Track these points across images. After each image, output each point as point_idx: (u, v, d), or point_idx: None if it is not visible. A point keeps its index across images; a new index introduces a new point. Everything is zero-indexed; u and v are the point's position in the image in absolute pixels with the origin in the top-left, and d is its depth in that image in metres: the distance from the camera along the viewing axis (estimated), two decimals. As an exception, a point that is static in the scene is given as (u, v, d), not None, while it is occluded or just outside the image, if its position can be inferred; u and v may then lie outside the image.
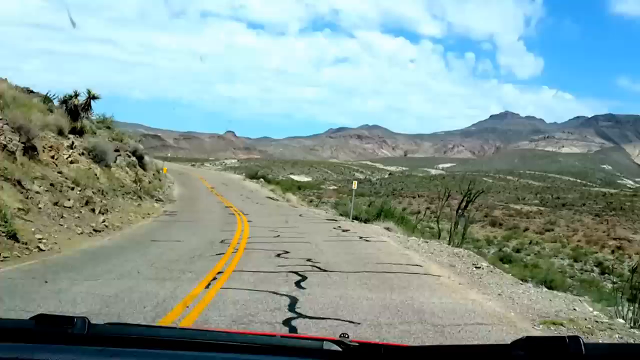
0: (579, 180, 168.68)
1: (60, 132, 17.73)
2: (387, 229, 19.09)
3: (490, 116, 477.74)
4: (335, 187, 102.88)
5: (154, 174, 30.14)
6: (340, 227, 17.63)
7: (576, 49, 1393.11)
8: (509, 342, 1.68)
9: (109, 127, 32.17)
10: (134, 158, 28.79)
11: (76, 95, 21.17)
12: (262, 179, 50.05)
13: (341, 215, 25.10)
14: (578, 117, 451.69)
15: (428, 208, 73.16)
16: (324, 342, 1.87)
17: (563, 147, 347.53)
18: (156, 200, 23.19)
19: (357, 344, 1.87)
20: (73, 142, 17.83)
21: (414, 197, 78.43)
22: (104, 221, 13.29)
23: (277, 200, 31.39)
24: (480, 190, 24.96)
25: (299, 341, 2.12)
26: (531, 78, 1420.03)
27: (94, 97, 21.86)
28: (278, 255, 10.36)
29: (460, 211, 19.88)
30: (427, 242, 15.19)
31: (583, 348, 1.50)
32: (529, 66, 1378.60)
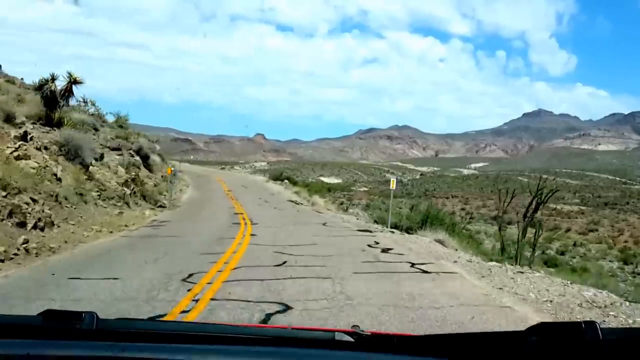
0: (617, 179, 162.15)
1: (8, 119, 14.38)
2: (439, 241, 14.64)
3: (523, 114, 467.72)
4: (366, 189, 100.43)
5: (163, 176, 27.86)
6: (377, 242, 12.72)
7: (610, 45, 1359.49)
8: (524, 329, 1.64)
9: (121, 126, 31.34)
10: (137, 157, 25.91)
11: (53, 79, 17.55)
12: (286, 181, 46.22)
13: (376, 222, 20.75)
14: (614, 114, 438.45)
15: (463, 209, 70.27)
16: (336, 333, 1.85)
17: (599, 144, 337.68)
18: (158, 205, 20.27)
19: (369, 334, 1.86)
20: (27, 133, 14.12)
21: (447, 198, 75.34)
22: (26, 242, 9.07)
23: (300, 204, 27.49)
24: (553, 189, 20.13)
25: (311, 333, 2.12)
26: (564, 75, 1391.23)
27: (76, 82, 18.29)
28: (268, 316, 5.81)
29: (528, 216, 16.05)
30: (514, 270, 9.94)
31: (600, 333, 1.46)
32: (561, 63, 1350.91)
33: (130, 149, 25.62)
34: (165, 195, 23.65)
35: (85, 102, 28.63)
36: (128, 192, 18.03)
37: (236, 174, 66.76)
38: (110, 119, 33.18)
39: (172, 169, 26.23)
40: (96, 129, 24.31)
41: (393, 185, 21.35)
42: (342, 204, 57.28)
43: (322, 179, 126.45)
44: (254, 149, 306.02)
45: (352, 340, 1.81)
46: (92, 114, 28.01)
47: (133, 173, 20.75)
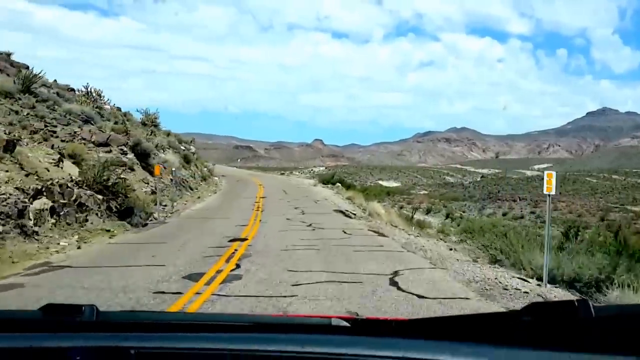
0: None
1: None
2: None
3: (587, 113, 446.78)
4: (426, 192, 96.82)
5: (173, 179, 23.14)
6: None
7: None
8: (517, 309, 1.66)
9: (145, 124, 29.64)
10: (130, 156, 20.93)
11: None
12: (339, 184, 38.85)
13: (497, 262, 11.77)
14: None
15: (532, 212, 65.66)
16: (332, 319, 1.84)
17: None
18: (148, 219, 15.83)
19: (365, 319, 1.90)
20: None
21: (514, 201, 70.69)
22: None
23: (352, 216, 19.74)
24: None
25: (307, 319, 2.14)
26: (629, 72, 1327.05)
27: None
28: None
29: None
30: None
31: (593, 311, 1.46)
32: (626, 60, 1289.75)
33: (120, 145, 20.66)
34: (163, 206, 18.97)
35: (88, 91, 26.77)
36: (94, 201, 13.46)
37: (282, 178, 56.92)
38: (138, 116, 31.65)
39: (172, 170, 22.72)
40: (88, 121, 21.06)
41: (550, 187, 8.94)
42: (401, 207, 54.51)
43: (380, 182, 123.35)
44: (313, 155, 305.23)
45: (348, 325, 1.80)
46: (96, 104, 25.38)
47: (113, 176, 15.36)
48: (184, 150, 34.01)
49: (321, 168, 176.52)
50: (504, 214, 59.34)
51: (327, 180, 42.28)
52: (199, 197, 25.67)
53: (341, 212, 21.42)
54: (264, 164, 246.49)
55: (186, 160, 31.29)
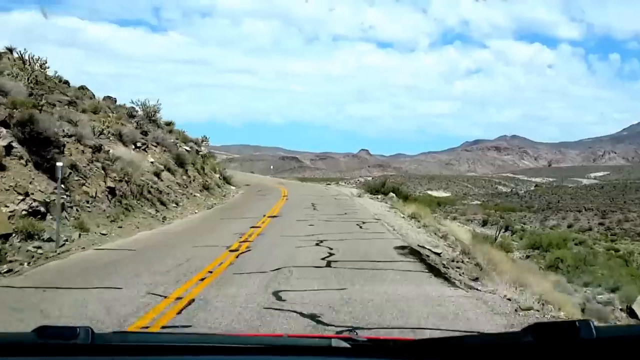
0: None
1: None
2: None
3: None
4: (479, 202, 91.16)
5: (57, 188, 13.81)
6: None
7: None
8: (518, 330, 1.63)
9: (132, 116, 25.20)
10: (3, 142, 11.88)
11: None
12: (392, 194, 30.29)
13: None
14: None
15: (601, 224, 59.50)
16: (332, 339, 1.81)
17: None
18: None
19: (365, 340, 1.84)
20: None
21: (579, 211, 64.50)
22: None
23: (449, 273, 9.50)
24: None
25: (307, 340, 2.10)
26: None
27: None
28: None
29: None
30: None
31: (594, 332, 1.44)
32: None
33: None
34: (63, 240, 11.34)
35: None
36: None
37: (319, 188, 43.51)
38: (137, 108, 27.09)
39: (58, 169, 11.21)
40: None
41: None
42: (454, 219, 49.72)
43: (429, 192, 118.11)
44: (359, 165, 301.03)
45: (348, 346, 1.76)
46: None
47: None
48: (181, 148, 27.44)
49: (368, 178, 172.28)
50: (569, 226, 53.87)
51: (377, 189, 33.70)
52: (165, 218, 16.98)
53: (417, 255, 11.05)
54: (309, 174, 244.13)
55: (178, 161, 24.56)
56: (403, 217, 19.91)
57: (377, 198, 29.59)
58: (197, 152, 31.12)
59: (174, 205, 19.95)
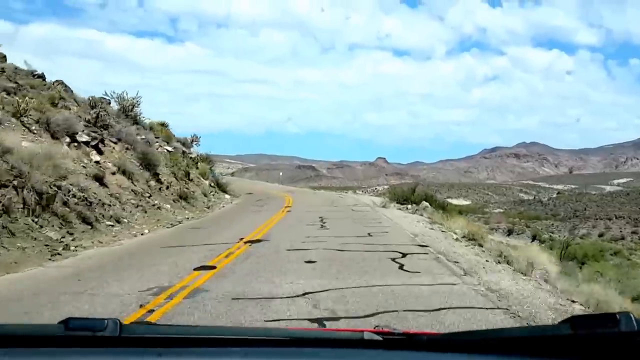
0: None
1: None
2: None
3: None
4: (501, 210, 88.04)
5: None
6: None
7: None
8: (557, 323, 1.60)
9: (93, 107, 20.31)
10: None
11: None
12: (426, 204, 24.84)
13: None
14: None
15: (634, 232, 56.34)
16: (365, 332, 1.80)
17: None
18: None
19: (399, 333, 1.83)
20: None
21: (609, 219, 61.35)
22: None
23: None
24: None
25: (339, 333, 2.09)
26: None
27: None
28: None
29: None
30: None
31: (635, 325, 1.40)
32: None
33: None
34: None
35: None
36: None
37: (334, 197, 36.24)
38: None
39: None
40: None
41: None
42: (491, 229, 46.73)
43: (449, 200, 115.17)
44: (376, 173, 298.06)
45: (380, 339, 1.76)
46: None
47: None
48: (161, 148, 23.54)
49: (385, 187, 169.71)
50: (600, 235, 50.86)
51: (405, 198, 27.62)
52: (67, 248, 10.76)
53: None
54: (326, 183, 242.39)
55: (145, 163, 19.72)
56: (457, 239, 14.00)
57: (407, 209, 24.17)
58: (184, 153, 27.33)
59: (112, 223, 14.05)
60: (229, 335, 1.92)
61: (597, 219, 63.95)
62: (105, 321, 1.69)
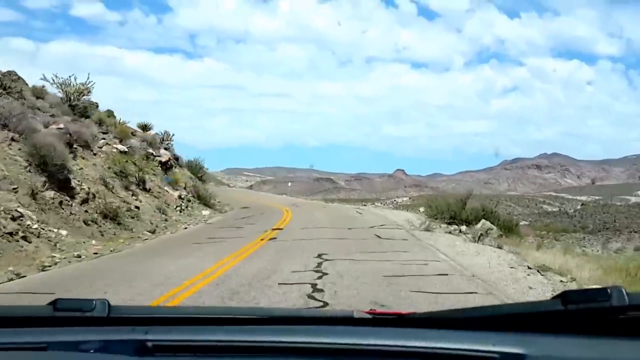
0: None
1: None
2: None
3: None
4: (527, 223, 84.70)
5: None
6: None
7: None
8: (549, 299, 1.61)
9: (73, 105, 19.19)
10: None
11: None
12: (487, 224, 16.61)
13: None
14: None
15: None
16: (354, 312, 1.82)
17: None
18: None
19: (387, 312, 1.86)
20: None
21: (646, 232, 58.09)
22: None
23: None
24: None
25: (330, 311, 2.15)
26: None
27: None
28: None
29: None
30: None
31: (626, 298, 1.41)
32: None
33: None
34: None
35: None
36: None
37: (347, 212, 28.53)
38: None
39: None
40: None
41: None
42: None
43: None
44: (395, 185, 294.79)
45: (369, 317, 1.78)
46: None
47: None
48: (115, 147, 19.84)
49: (405, 199, 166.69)
50: (638, 249, 47.77)
51: (453, 215, 20.29)
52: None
53: None
54: (345, 195, 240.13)
55: (39, 163, 14.08)
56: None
57: (461, 231, 17.22)
58: (151, 156, 23.11)
59: None
60: (216, 314, 1.91)
61: (631, 232, 60.48)
62: (94, 302, 1.71)
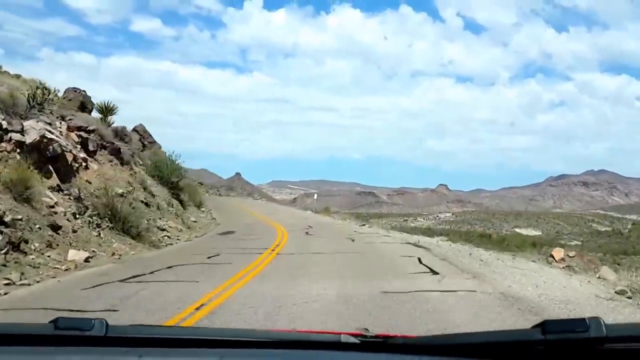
0: None
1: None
2: None
3: None
4: (579, 243, 79.79)
5: None
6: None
7: None
8: (528, 327, 1.59)
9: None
10: None
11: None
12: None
13: None
14: None
15: None
16: (342, 335, 1.80)
17: None
18: None
19: (374, 336, 1.82)
20: None
21: None
22: None
23: None
24: None
25: (317, 335, 2.06)
26: None
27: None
28: None
29: None
30: None
31: (604, 329, 1.41)
32: None
33: None
34: None
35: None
36: None
37: (389, 236, 22.45)
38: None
39: None
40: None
41: None
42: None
43: (518, 230, 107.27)
44: (438, 200, 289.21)
45: (357, 342, 1.76)
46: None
47: None
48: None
49: (447, 214, 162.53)
50: None
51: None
52: None
53: None
54: (387, 210, 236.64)
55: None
56: None
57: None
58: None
59: None
60: (208, 336, 1.93)
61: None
62: (92, 321, 1.73)
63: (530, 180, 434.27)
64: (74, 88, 23.03)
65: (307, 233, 21.17)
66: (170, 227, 19.01)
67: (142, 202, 18.57)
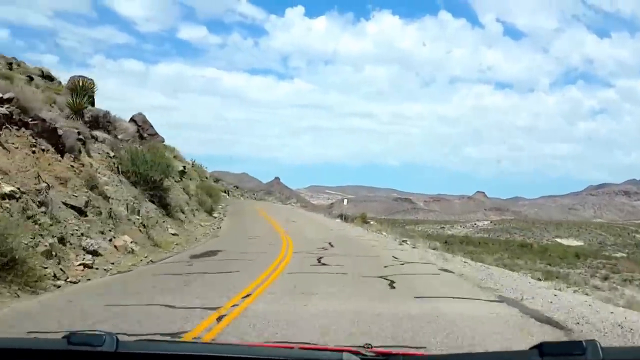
0: None
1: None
2: None
3: None
4: (624, 254, 76.98)
5: None
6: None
7: None
8: (526, 349, 1.57)
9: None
10: None
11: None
12: None
13: None
14: None
15: None
16: (344, 353, 1.78)
17: None
18: None
19: (374, 354, 1.81)
20: None
21: None
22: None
23: None
24: None
25: (319, 353, 2.04)
26: None
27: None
28: None
29: None
30: None
31: (601, 353, 1.42)
32: None
33: None
34: None
35: None
36: None
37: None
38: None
39: None
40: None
41: None
42: (606, 278, 38.71)
43: (559, 240, 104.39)
44: (475, 207, 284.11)
45: (358, 359, 1.74)
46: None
47: None
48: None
49: (485, 222, 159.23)
50: None
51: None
52: None
53: None
54: (423, 216, 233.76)
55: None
56: None
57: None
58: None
59: None
60: (216, 352, 1.92)
61: None
62: (104, 337, 1.73)
63: (570, 189, 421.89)
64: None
65: (319, 260, 14.29)
66: (112, 246, 13.06)
67: (64, 205, 12.47)
